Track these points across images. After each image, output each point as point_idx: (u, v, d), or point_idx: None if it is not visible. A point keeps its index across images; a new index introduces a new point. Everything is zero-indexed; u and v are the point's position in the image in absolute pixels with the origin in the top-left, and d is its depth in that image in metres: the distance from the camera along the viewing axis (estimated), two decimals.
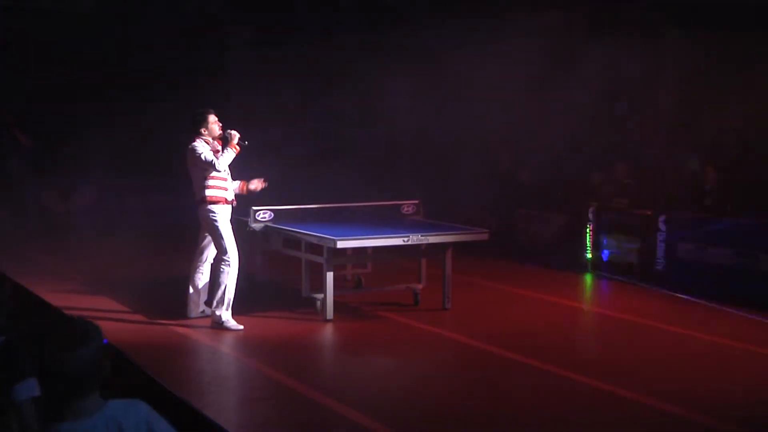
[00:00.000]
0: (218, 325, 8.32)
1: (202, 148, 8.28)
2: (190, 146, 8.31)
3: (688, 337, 8.39)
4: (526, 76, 13.15)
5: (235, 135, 8.32)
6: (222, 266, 8.33)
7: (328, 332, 8.50)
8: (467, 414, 6.29)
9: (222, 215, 8.35)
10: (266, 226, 9.21)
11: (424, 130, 15.12)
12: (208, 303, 8.60)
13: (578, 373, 7.06)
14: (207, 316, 8.57)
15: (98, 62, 16.82)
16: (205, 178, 8.31)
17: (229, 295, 8.32)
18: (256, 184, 8.83)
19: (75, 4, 17.17)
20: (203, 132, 8.33)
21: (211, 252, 8.57)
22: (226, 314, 8.34)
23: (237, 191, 8.69)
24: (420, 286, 9.51)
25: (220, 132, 8.37)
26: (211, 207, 8.32)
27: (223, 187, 8.39)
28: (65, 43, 16.88)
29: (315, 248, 8.76)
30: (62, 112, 16.73)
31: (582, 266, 11.49)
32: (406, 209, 10.06)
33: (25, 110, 16.12)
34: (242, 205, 8.99)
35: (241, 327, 8.33)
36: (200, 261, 8.62)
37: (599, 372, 7.11)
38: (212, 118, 8.38)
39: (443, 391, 6.83)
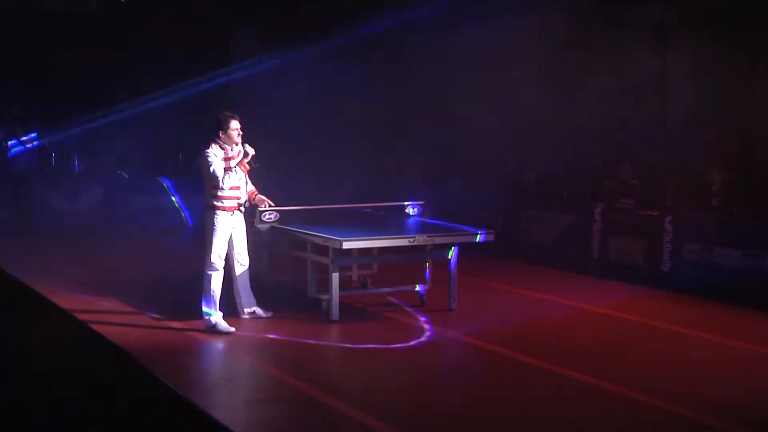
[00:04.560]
0: (210, 329, 8.28)
1: (214, 157, 8.21)
2: (203, 151, 8.25)
3: (695, 338, 8.38)
4: (533, 76, 13.14)
5: (250, 153, 8.31)
6: (206, 270, 8.30)
7: (333, 333, 8.50)
8: (472, 414, 6.29)
9: (220, 222, 8.30)
10: (272, 227, 9.20)
11: (430, 130, 15.11)
12: (248, 304, 8.74)
13: (583, 374, 7.06)
14: (257, 317, 8.70)
15: (104, 62, 16.84)
16: (214, 187, 8.27)
17: (215, 297, 8.30)
18: (263, 202, 8.75)
19: (82, 6, 17.20)
20: (221, 135, 8.28)
21: (234, 253, 8.52)
22: (215, 317, 8.31)
23: (248, 195, 8.66)
24: (426, 287, 9.51)
25: (239, 141, 8.31)
26: (215, 212, 8.28)
27: (232, 197, 8.34)
28: (71, 43, 16.91)
29: (321, 249, 8.77)
30: (68, 113, 16.76)
31: (588, 267, 11.46)
32: (412, 210, 10.06)
33: (30, 110, 16.17)
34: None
35: (233, 329, 8.29)
36: (231, 262, 8.56)
37: (604, 372, 7.11)
38: (234, 124, 8.29)
39: (448, 391, 6.84)
